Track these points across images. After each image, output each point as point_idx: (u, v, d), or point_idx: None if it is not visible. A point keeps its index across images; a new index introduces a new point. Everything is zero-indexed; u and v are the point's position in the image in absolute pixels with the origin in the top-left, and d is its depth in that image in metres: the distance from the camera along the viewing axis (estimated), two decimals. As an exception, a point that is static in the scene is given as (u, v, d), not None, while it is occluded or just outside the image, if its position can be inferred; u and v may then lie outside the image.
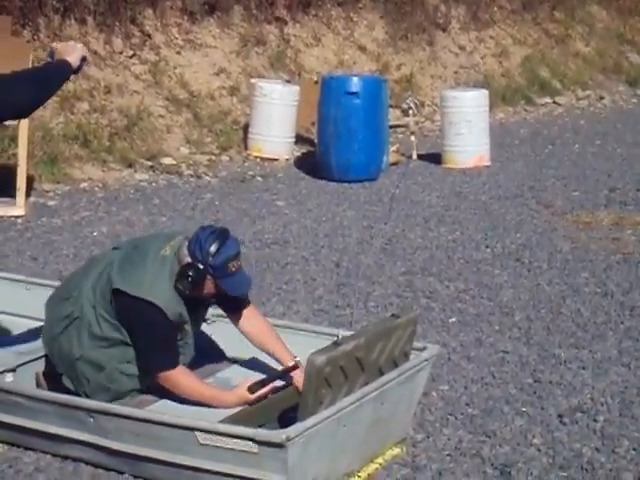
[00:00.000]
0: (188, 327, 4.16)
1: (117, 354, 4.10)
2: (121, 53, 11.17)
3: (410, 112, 11.34)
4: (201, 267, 4.03)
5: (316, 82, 11.59)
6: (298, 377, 4.06)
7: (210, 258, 4.03)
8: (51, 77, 3.67)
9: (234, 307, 4.34)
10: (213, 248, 4.03)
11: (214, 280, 4.08)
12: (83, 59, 3.81)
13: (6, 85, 3.56)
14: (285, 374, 4.17)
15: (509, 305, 6.24)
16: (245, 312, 4.33)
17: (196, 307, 4.19)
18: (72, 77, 3.92)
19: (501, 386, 4.98)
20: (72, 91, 10.34)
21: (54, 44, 3.86)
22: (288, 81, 11.61)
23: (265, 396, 4.05)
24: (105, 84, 10.72)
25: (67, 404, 3.97)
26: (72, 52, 3.77)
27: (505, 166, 10.72)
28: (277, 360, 4.27)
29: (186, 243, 4.10)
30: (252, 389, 4.02)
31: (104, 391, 4.13)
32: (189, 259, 4.05)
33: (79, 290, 4.16)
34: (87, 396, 4.13)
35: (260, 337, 4.31)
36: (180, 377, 4.04)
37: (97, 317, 4.09)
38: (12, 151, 9.08)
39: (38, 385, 4.30)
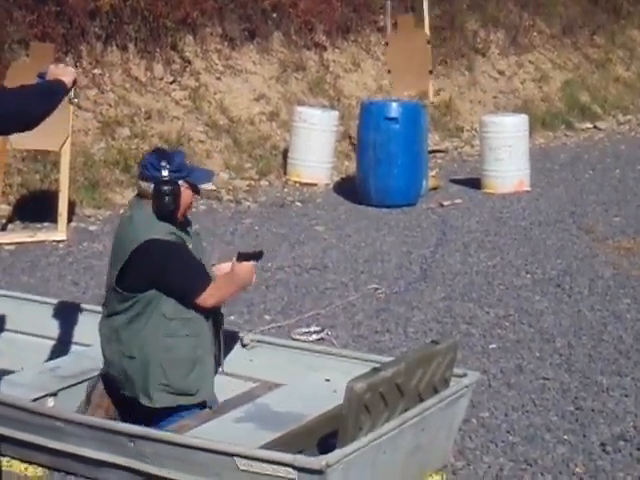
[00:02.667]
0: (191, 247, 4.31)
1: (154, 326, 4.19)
2: (162, 79, 11.26)
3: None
4: (167, 177, 4.15)
5: (429, 42, 11.61)
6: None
7: (168, 166, 4.17)
8: (53, 92, 3.78)
9: None
10: (163, 160, 4.19)
11: (185, 181, 4.21)
12: (74, 83, 3.87)
13: (15, 98, 3.63)
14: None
15: (550, 331, 6.19)
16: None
17: (183, 233, 4.31)
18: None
19: (542, 413, 4.94)
20: (113, 117, 10.45)
21: (52, 66, 3.94)
22: (328, 107, 11.64)
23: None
24: (146, 110, 10.81)
25: (107, 429, 3.98)
26: (66, 74, 3.87)
27: (545, 191, 10.66)
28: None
29: (139, 182, 4.23)
30: (240, 256, 4.26)
31: (165, 384, 4.21)
32: (152, 183, 4.15)
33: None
34: (149, 398, 4.20)
35: None
36: (217, 286, 4.21)
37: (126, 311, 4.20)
38: (54, 176, 9.17)
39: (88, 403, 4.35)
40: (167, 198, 4.15)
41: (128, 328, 4.23)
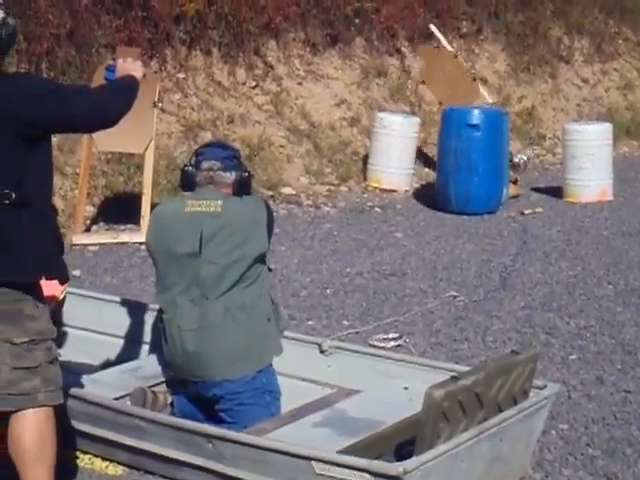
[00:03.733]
0: None
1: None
2: (244, 84, 11.36)
3: (520, 169, 11.19)
4: (244, 166, 4.51)
5: (455, 56, 11.53)
6: None
7: (238, 154, 4.56)
8: (129, 89, 3.85)
9: None
10: (232, 150, 4.57)
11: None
12: (143, 76, 3.94)
13: (95, 97, 3.73)
14: None
15: (632, 343, 6.09)
16: None
17: None
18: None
19: (623, 427, 4.86)
20: (196, 121, 10.56)
21: (120, 60, 3.99)
22: (409, 112, 11.62)
23: None
24: (228, 114, 10.92)
25: (187, 429, 4.03)
26: (136, 69, 3.92)
27: (629, 201, 10.50)
28: None
29: (219, 173, 4.41)
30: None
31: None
32: (235, 172, 4.42)
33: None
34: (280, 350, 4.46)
35: None
36: None
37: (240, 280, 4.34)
38: (137, 179, 9.31)
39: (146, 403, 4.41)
40: (250, 183, 4.50)
41: (263, 292, 4.42)
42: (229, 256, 4.30)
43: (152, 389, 4.53)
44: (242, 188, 4.44)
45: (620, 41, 15.71)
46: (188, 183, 4.51)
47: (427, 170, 11.42)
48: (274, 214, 4.62)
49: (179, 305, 4.36)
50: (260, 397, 4.34)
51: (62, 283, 4.09)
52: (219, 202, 4.37)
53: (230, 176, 4.41)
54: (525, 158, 11.42)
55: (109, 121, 3.74)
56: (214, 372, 4.33)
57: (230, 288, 4.31)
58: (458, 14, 13.72)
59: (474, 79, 11.79)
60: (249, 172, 4.52)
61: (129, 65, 3.92)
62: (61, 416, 3.91)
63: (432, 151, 11.29)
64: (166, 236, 4.42)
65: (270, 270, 4.52)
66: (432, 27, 12.29)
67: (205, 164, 4.42)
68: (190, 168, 4.49)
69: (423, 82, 11.55)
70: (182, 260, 4.35)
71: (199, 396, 4.42)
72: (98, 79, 8.40)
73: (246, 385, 4.32)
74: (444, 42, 11.97)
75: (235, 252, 4.30)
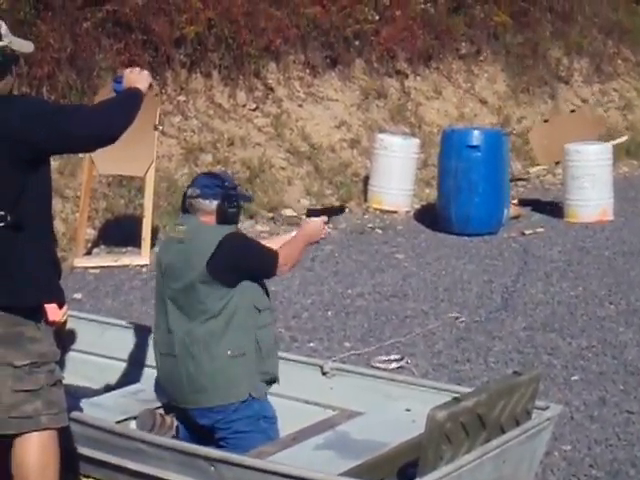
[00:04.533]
0: None
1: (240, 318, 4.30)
2: (244, 106, 11.39)
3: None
4: (231, 195, 4.39)
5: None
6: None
7: (227, 184, 4.42)
8: (131, 103, 3.81)
9: None
10: (221, 180, 4.42)
11: (240, 202, 4.47)
12: (149, 87, 3.91)
13: (96, 115, 3.72)
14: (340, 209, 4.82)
15: (634, 364, 6.08)
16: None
17: None
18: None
19: (626, 448, 4.85)
20: (196, 143, 10.59)
21: (127, 70, 3.97)
22: (409, 133, 11.65)
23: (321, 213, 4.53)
24: (228, 136, 10.94)
25: (189, 452, 4.01)
26: (142, 80, 3.89)
27: (629, 221, 10.50)
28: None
29: (198, 201, 4.36)
30: (310, 212, 4.55)
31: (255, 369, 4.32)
32: (215, 200, 4.34)
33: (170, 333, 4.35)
34: (256, 390, 4.30)
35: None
36: (282, 254, 4.38)
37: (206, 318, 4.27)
38: (138, 202, 9.32)
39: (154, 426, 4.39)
40: (232, 211, 4.40)
41: (229, 327, 4.29)
42: (178, 282, 4.32)
43: (160, 412, 4.52)
44: (222, 217, 4.36)
45: (619, 61, 15.76)
46: (181, 208, 4.58)
47: (427, 191, 11.43)
48: (254, 249, 4.40)
49: (159, 328, 4.45)
50: (255, 424, 4.33)
51: (60, 307, 4.07)
52: (183, 228, 4.41)
53: (209, 204, 4.36)
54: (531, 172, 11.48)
55: (109, 138, 3.70)
56: (186, 399, 4.36)
57: (189, 319, 4.30)
58: (457, 35, 13.77)
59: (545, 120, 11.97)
60: (236, 203, 4.40)
61: (135, 76, 3.89)
62: (63, 440, 3.89)
63: (432, 172, 11.31)
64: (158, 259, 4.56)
65: (259, 311, 4.33)
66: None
67: (188, 191, 4.46)
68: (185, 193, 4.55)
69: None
70: (158, 283, 4.47)
71: (192, 423, 4.42)
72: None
73: (237, 413, 4.31)
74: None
75: (183, 279, 4.31)
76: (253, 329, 4.32)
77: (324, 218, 4.50)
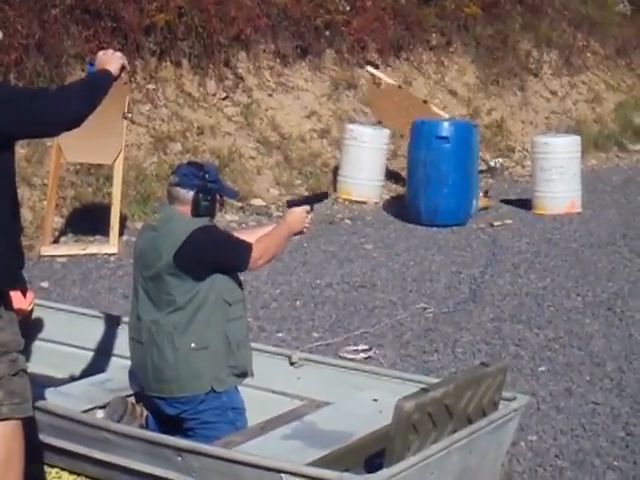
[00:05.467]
0: None
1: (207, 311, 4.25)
2: (214, 95, 11.35)
3: (497, 172, 11.22)
4: (206, 186, 4.30)
5: (400, 87, 11.65)
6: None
7: (207, 176, 4.33)
8: (97, 85, 3.74)
9: None
10: (202, 171, 4.34)
11: (219, 195, 4.38)
12: (122, 68, 3.86)
13: (54, 101, 3.64)
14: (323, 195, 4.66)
15: (600, 355, 6.13)
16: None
17: None
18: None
19: (592, 438, 4.88)
20: (165, 132, 10.54)
21: (100, 53, 3.92)
22: (379, 123, 11.64)
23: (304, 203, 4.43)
24: (198, 125, 10.90)
25: (156, 442, 4.00)
26: (112, 61, 3.83)
27: (597, 213, 10.57)
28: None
29: (176, 189, 4.30)
30: (289, 203, 4.43)
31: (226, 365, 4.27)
32: (192, 191, 4.28)
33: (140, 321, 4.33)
34: (220, 382, 4.26)
35: None
36: (258, 247, 4.29)
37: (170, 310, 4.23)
38: (106, 190, 9.27)
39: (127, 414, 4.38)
40: (206, 204, 4.31)
41: (194, 320, 4.25)
42: (149, 270, 4.30)
43: (131, 400, 4.50)
44: (198, 209, 4.29)
45: (588, 54, 15.84)
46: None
47: (397, 182, 11.45)
48: (225, 241, 4.33)
49: (132, 313, 4.44)
50: (223, 415, 4.31)
51: (24, 294, 4.02)
52: (158, 216, 4.38)
53: (185, 194, 4.30)
54: (501, 161, 11.48)
55: (72, 120, 3.61)
56: (152, 387, 4.33)
57: (156, 309, 4.28)
58: (428, 27, 13.79)
59: (425, 101, 11.85)
60: (211, 197, 4.30)
61: (106, 57, 3.83)
62: (28, 430, 3.86)
63: (402, 163, 11.32)
64: None
65: (229, 305, 4.28)
66: (368, 68, 12.30)
67: (170, 178, 4.42)
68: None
69: (379, 122, 11.55)
70: (133, 269, 4.47)
71: (160, 413, 4.40)
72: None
73: (204, 405, 4.29)
74: (385, 78, 11.99)
75: (152, 267, 4.28)
76: (222, 323, 4.28)
77: (306, 207, 4.41)
